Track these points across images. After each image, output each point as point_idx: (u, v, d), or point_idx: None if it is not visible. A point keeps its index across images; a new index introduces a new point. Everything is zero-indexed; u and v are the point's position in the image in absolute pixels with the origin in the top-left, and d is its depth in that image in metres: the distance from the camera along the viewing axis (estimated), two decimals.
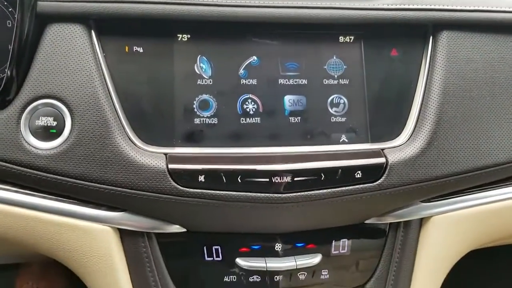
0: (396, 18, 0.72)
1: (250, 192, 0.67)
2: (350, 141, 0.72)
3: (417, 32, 0.74)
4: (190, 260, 0.74)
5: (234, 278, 0.74)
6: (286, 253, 0.74)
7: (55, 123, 0.65)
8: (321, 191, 0.68)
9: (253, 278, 0.74)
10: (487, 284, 1.35)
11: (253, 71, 0.71)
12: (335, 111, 0.73)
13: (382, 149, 0.71)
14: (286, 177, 0.67)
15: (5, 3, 0.64)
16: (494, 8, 0.75)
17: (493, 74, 0.75)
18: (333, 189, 0.68)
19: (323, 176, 0.68)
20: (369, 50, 0.74)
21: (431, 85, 0.73)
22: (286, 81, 0.72)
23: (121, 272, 0.71)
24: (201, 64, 0.70)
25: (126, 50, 0.68)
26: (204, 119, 0.69)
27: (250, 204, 0.67)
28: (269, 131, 0.71)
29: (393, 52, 0.75)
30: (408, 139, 0.72)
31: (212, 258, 0.73)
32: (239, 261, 0.73)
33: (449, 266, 0.84)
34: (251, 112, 0.70)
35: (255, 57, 0.71)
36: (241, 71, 0.71)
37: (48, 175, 0.65)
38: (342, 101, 0.73)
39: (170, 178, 0.65)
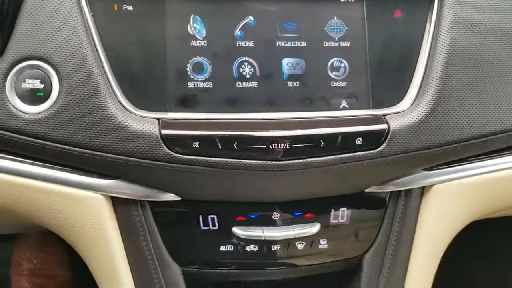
0: None
1: (247, 159, 0.65)
2: (351, 107, 0.70)
3: None
4: (186, 229, 0.72)
5: (231, 247, 0.72)
6: (283, 222, 0.73)
7: (42, 86, 0.63)
8: (320, 158, 0.66)
9: (250, 248, 0.72)
10: (487, 255, 1.35)
11: (250, 32, 0.68)
12: (335, 75, 0.70)
13: (384, 115, 0.69)
14: (284, 144, 0.65)
15: None
16: None
17: (500, 37, 0.72)
18: (332, 156, 0.66)
19: (322, 142, 0.66)
20: (371, 11, 0.71)
21: (436, 48, 0.70)
22: (285, 43, 0.69)
23: (114, 241, 0.70)
24: (195, 24, 0.67)
25: (115, 8, 0.65)
26: (198, 83, 0.67)
27: (247, 171, 0.65)
28: (266, 96, 0.68)
29: (396, 13, 0.72)
30: (411, 104, 0.70)
31: (208, 227, 0.72)
32: (236, 230, 0.72)
33: (450, 237, 0.82)
34: (248, 76, 0.68)
35: (251, 17, 0.68)
36: (237, 32, 0.68)
37: (36, 140, 0.63)
38: (342, 64, 0.70)
39: (163, 144, 0.63)
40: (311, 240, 0.74)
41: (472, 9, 0.72)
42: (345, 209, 0.75)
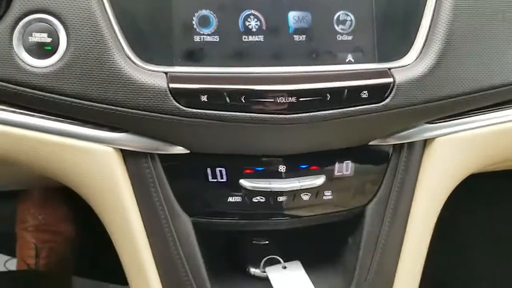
0: None
1: (254, 113, 0.65)
2: (357, 61, 0.70)
3: None
4: (194, 181, 0.74)
5: (238, 198, 0.74)
6: (290, 175, 0.74)
7: (49, 40, 0.62)
8: (326, 111, 0.67)
9: (257, 199, 0.74)
10: (485, 208, 1.38)
11: None
12: (341, 29, 0.70)
13: (389, 69, 0.69)
14: (291, 98, 0.65)
15: None
16: None
17: None
18: (339, 110, 0.67)
19: (328, 96, 0.66)
20: None
21: (441, 0, 0.69)
22: None
23: (125, 192, 0.71)
24: None
25: None
26: (205, 36, 0.66)
27: (254, 125, 0.66)
28: (273, 50, 0.68)
29: None
30: (416, 58, 0.70)
31: (216, 180, 0.73)
32: (243, 182, 0.73)
33: (449, 189, 0.84)
34: (254, 30, 0.67)
35: None
36: None
37: (45, 94, 0.63)
38: (349, 18, 0.70)
39: (172, 98, 0.63)
40: (316, 192, 0.75)
41: None
42: (349, 161, 0.76)
